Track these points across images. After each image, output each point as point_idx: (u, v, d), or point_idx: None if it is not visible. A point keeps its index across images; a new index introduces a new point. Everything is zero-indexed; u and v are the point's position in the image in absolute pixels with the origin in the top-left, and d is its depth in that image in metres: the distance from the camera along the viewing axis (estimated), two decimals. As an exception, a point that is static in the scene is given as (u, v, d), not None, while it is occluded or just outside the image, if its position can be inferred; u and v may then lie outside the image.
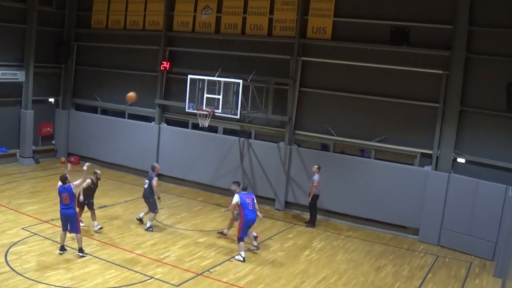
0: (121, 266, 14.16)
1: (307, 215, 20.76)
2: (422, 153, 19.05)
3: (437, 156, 18.62)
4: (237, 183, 16.88)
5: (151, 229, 17.46)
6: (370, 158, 20.00)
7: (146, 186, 17.70)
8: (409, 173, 19.14)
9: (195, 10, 23.28)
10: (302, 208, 21.08)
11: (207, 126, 20.30)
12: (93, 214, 16.92)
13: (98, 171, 17.02)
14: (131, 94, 19.55)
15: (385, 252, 17.49)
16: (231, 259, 15.53)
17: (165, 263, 14.78)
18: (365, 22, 19.72)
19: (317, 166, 19.19)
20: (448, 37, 18.20)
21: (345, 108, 20.38)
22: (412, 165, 19.28)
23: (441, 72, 18.41)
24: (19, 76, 24.69)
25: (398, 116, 19.44)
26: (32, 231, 16.17)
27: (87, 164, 15.31)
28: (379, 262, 16.47)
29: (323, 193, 20.02)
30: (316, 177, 19.06)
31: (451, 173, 18.31)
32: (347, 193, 20.10)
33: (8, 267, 13.35)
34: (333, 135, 20.50)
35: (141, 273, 13.85)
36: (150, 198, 17.54)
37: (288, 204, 21.43)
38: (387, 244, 18.30)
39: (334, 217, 20.50)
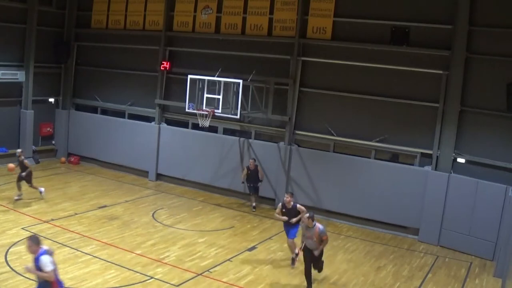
0: (121, 266, 14.16)
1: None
2: (422, 153, 19.05)
3: (437, 156, 18.62)
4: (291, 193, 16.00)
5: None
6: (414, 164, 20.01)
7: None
8: (409, 173, 19.14)
9: (195, 10, 23.28)
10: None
11: (207, 126, 20.35)
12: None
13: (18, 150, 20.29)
14: (10, 165, 19.94)
15: (385, 252, 17.49)
16: (231, 259, 15.55)
17: (165, 263, 14.78)
18: (365, 22, 19.72)
19: (308, 215, 13.72)
20: (448, 37, 18.21)
21: (345, 108, 20.39)
22: (412, 165, 19.29)
23: (441, 72, 18.41)
24: (19, 76, 24.70)
25: (398, 116, 19.44)
26: (32, 231, 16.14)
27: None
28: (379, 262, 16.47)
29: (324, 193, 20.20)
30: (321, 226, 13.75)
31: (451, 173, 18.31)
32: (347, 193, 20.09)
33: (8, 267, 13.35)
34: (333, 135, 20.50)
35: (141, 273, 13.85)
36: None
37: (288, 204, 21.41)
38: (387, 244, 18.30)
39: (334, 217, 20.49)
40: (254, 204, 21.05)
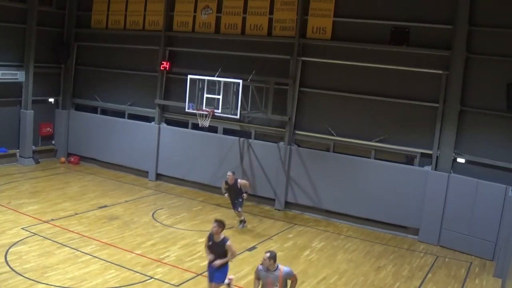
0: (121, 266, 14.16)
1: (307, 215, 20.79)
2: (422, 153, 19.04)
3: (437, 156, 18.61)
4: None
5: None
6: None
7: None
8: (409, 173, 19.13)
9: (195, 10, 23.27)
10: (302, 208, 21.10)
11: (207, 126, 20.31)
12: None
13: None
14: None
15: (385, 252, 17.49)
16: (231, 260, 15.53)
17: (165, 263, 14.77)
18: (365, 22, 19.71)
19: (269, 255, 10.45)
20: (448, 37, 18.21)
21: (345, 108, 20.38)
22: (412, 165, 19.28)
23: (441, 72, 18.41)
24: (19, 76, 24.66)
25: (398, 116, 19.43)
26: (32, 231, 16.17)
27: None
28: (379, 262, 16.46)
29: (324, 193, 20.23)
30: (286, 267, 10.62)
31: (451, 173, 18.30)
32: (347, 193, 20.09)
33: (8, 267, 13.34)
34: (333, 135, 20.49)
35: (141, 273, 13.84)
36: None
37: (288, 204, 21.41)
38: (387, 244, 18.30)
39: (334, 217, 20.49)
40: (242, 218, 18.63)
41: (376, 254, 17.16)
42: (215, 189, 22.72)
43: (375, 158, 19.89)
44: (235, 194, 18.18)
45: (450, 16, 18.14)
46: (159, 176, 24.50)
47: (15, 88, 24.90)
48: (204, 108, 19.82)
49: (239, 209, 18.22)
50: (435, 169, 18.61)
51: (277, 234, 18.33)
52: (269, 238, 17.82)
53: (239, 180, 18.16)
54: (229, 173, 18.24)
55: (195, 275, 14.14)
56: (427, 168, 18.76)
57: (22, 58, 25.02)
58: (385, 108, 19.55)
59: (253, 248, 16.72)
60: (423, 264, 16.56)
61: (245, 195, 18.09)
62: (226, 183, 18.29)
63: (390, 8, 19.30)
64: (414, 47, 18.80)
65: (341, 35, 20.15)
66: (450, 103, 18.25)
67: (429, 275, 15.66)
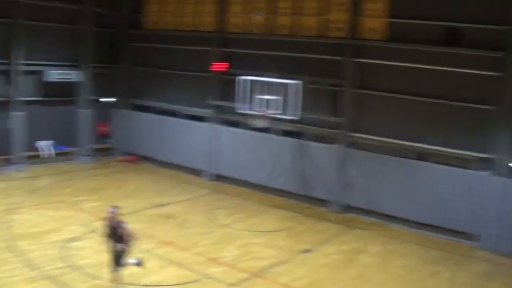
0: (179, 265, 14.34)
1: (363, 219, 20.52)
2: (482, 157, 18.51)
3: (499, 161, 18.09)
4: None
5: None
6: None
7: None
8: (469, 178, 18.60)
9: (248, 11, 23.36)
10: (358, 211, 20.84)
11: (262, 126, 20.31)
12: None
13: None
14: None
15: (441, 258, 17.09)
16: (287, 261, 15.49)
17: (221, 262, 14.84)
18: (419, 23, 19.34)
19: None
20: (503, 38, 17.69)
21: (402, 110, 20.03)
22: (472, 169, 18.78)
23: (499, 74, 17.89)
24: (77, 76, 25.37)
25: (457, 119, 18.94)
26: (90, 227, 16.48)
27: None
28: (435, 267, 16.11)
29: (381, 196, 19.99)
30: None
31: (512, 178, 17.81)
32: (405, 197, 19.71)
33: (65, 263, 13.67)
34: (389, 137, 20.18)
35: (197, 272, 14.00)
36: None
37: (344, 207, 21.18)
38: (444, 250, 17.88)
39: (391, 221, 20.15)
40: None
41: (432, 260, 16.80)
42: (270, 190, 22.72)
43: (433, 162, 19.48)
44: (114, 239, 12.25)
45: (504, 17, 17.63)
46: (215, 176, 24.64)
47: (73, 88, 25.57)
48: (259, 109, 19.82)
49: (116, 266, 12.35)
50: (497, 175, 18.08)
51: (332, 237, 18.18)
52: (325, 241, 17.66)
53: (125, 226, 12.21)
54: (110, 209, 12.51)
55: (250, 275, 14.18)
56: (488, 173, 18.26)
57: (81, 59, 25.70)
58: (443, 111, 19.09)
59: (309, 250, 16.62)
60: (481, 272, 16.13)
61: (119, 246, 12.14)
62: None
63: (443, 8, 18.90)
64: (471, 48, 18.24)
65: (396, 36, 19.84)
66: (509, 106, 17.74)
67: (487, 283, 15.25)
